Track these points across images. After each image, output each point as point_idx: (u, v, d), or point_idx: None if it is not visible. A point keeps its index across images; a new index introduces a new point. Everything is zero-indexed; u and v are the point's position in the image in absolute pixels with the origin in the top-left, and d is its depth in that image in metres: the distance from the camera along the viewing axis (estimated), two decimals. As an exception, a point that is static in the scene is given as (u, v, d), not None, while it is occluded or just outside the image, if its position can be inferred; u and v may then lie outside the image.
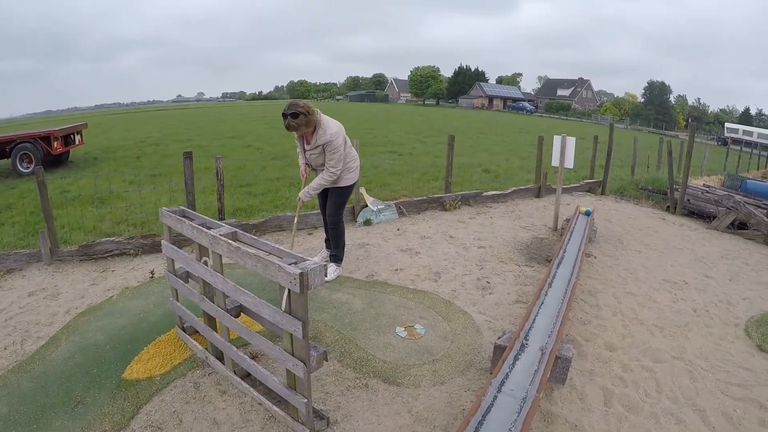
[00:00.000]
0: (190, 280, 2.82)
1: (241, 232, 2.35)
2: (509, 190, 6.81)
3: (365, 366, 2.60)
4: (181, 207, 2.73)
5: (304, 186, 3.57)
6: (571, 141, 4.93)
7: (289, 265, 1.79)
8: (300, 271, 1.70)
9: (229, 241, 2.07)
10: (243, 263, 1.98)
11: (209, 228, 2.35)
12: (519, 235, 5.03)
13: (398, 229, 5.07)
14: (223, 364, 2.49)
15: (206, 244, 2.24)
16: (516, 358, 2.35)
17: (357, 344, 2.79)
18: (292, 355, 1.93)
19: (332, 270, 3.65)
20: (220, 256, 2.21)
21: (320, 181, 3.40)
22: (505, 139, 17.22)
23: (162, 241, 2.72)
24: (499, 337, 2.56)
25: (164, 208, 2.63)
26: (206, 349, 2.62)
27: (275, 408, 2.19)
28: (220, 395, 2.34)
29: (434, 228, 5.19)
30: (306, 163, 3.58)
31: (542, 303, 2.96)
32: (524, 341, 2.50)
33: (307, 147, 3.40)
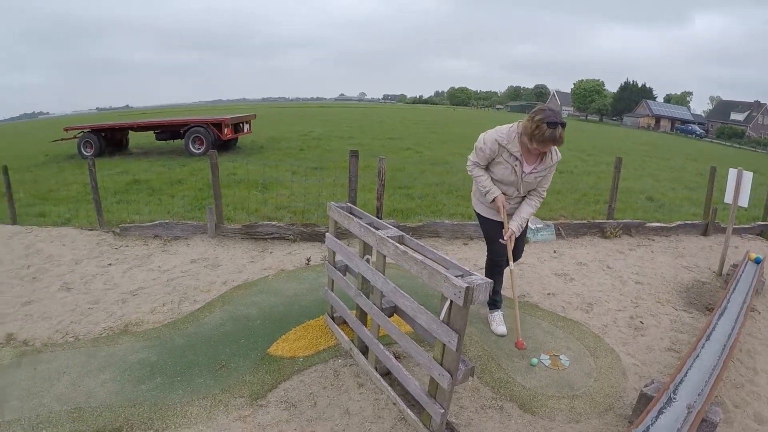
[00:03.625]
0: (347, 273, 4.20)
1: (408, 236, 3.47)
2: (674, 224, 8.59)
3: (503, 388, 3.54)
4: (348, 204, 4.05)
5: (504, 217, 4.22)
6: (748, 176, 6.22)
7: (456, 277, 2.68)
8: (467, 285, 2.54)
9: (396, 244, 3.13)
10: (407, 267, 2.99)
11: (377, 228, 3.52)
12: (680, 275, 6.34)
13: (555, 252, 6.77)
14: (366, 358, 3.65)
15: (372, 243, 3.38)
16: (660, 412, 3.03)
17: (499, 364, 3.80)
18: (440, 365, 2.85)
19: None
20: (385, 256, 3.32)
21: (530, 209, 4.21)
22: (671, 165, 21.43)
23: (326, 234, 4.09)
24: (646, 385, 3.35)
25: (333, 202, 3.98)
26: (352, 341, 3.86)
27: (408, 411, 3.19)
28: (357, 387, 3.49)
29: (592, 255, 6.82)
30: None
31: (697, 356, 3.76)
32: (672, 395, 3.19)
33: (529, 168, 4.07)
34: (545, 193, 4.21)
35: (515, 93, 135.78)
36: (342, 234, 4.59)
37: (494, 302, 4.47)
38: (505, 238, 4.09)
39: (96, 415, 3.27)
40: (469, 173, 4.17)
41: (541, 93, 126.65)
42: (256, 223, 6.58)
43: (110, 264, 5.91)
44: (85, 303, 4.93)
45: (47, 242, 6.92)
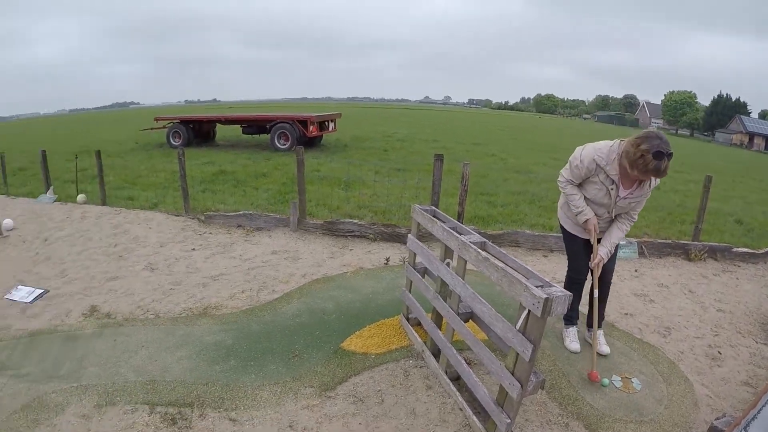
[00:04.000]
0: (426, 276, 4.33)
1: (491, 243, 3.55)
2: (762, 251, 8.16)
3: (571, 405, 3.54)
4: (433, 207, 4.21)
5: (594, 240, 4.19)
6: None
7: (536, 287, 2.75)
8: (546, 296, 2.61)
9: (479, 250, 3.22)
10: (488, 274, 3.09)
11: (460, 233, 3.63)
12: (765, 306, 6.07)
13: (636, 270, 6.71)
14: (437, 361, 3.74)
15: (454, 247, 3.50)
16: (729, 448, 2.91)
17: (569, 381, 3.80)
18: (512, 374, 2.92)
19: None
20: (466, 262, 3.43)
21: (621, 233, 4.17)
22: (763, 187, 20.26)
23: (409, 235, 4.25)
24: (717, 418, 3.31)
25: (417, 205, 4.14)
26: (424, 343, 3.97)
27: (474, 418, 3.26)
28: (425, 389, 3.59)
29: (674, 277, 6.67)
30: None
31: (774, 393, 3.54)
32: (743, 431, 3.02)
33: (624, 193, 4.02)
34: (636, 217, 4.14)
35: (603, 102, 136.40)
36: (423, 237, 4.72)
37: (570, 318, 4.47)
38: (592, 264, 4.09)
39: (169, 389, 3.55)
40: (561, 189, 4.13)
41: (630, 103, 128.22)
42: (337, 220, 6.81)
43: (194, 249, 6.34)
44: (168, 284, 5.32)
45: (134, 224, 7.47)
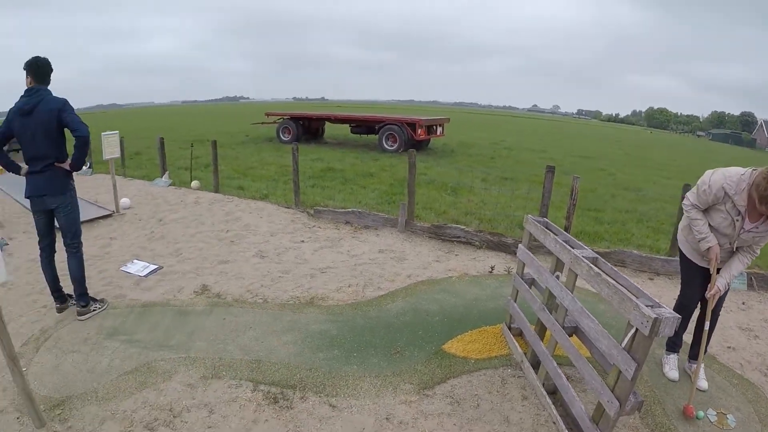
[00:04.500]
0: (533, 286, 4.41)
1: (602, 260, 3.59)
2: None
3: None
4: (545, 219, 4.27)
5: (713, 270, 4.07)
6: None
7: (646, 306, 2.78)
8: (655, 315, 2.65)
9: (591, 265, 3.28)
10: (598, 289, 3.14)
11: (572, 247, 3.68)
12: None
13: (743, 303, 6.45)
14: (536, 373, 3.80)
15: (566, 260, 3.56)
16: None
17: (664, 408, 3.75)
18: (612, 392, 2.95)
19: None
20: (576, 275, 3.50)
21: (741, 266, 4.08)
22: None
23: (520, 245, 4.34)
24: None
25: (530, 215, 4.22)
26: (524, 353, 4.03)
27: None
28: (521, 399, 3.67)
29: None
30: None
31: None
32: None
33: (749, 226, 3.91)
34: (759, 251, 4.01)
35: (719, 119, 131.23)
36: (531, 248, 4.80)
37: (673, 344, 4.41)
38: (708, 294, 4.00)
39: (273, 370, 3.82)
40: (686, 212, 4.04)
41: (747, 122, 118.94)
42: (444, 224, 6.95)
43: (303, 241, 6.68)
44: (277, 271, 5.67)
45: (246, 212, 7.94)
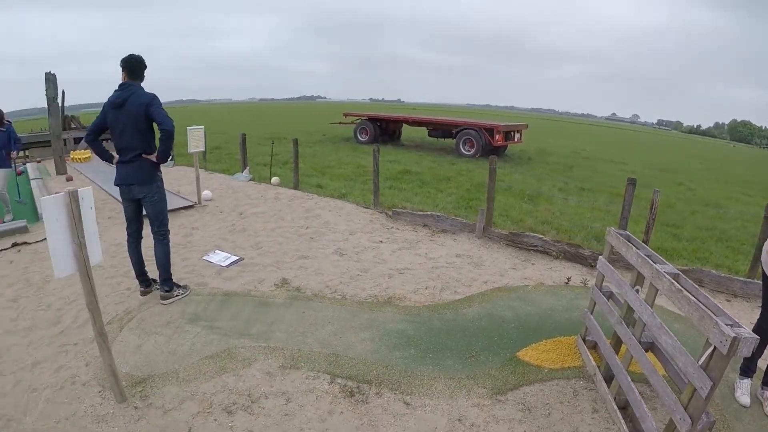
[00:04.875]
0: (610, 300, 4.38)
1: (684, 276, 3.56)
2: None
3: None
4: (627, 232, 4.22)
5: None
6: None
7: (726, 325, 2.76)
8: (734, 335, 2.64)
9: (672, 281, 3.26)
10: (678, 306, 3.11)
11: (654, 262, 3.66)
12: None
13: None
14: (608, 387, 3.78)
15: (647, 275, 3.54)
16: None
17: None
18: (685, 409, 2.94)
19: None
20: (657, 291, 3.48)
21: None
22: None
23: (600, 257, 4.32)
24: None
25: (612, 228, 4.20)
26: (597, 366, 4.01)
27: None
28: (591, 412, 3.66)
29: None
30: None
31: None
32: None
33: None
34: None
35: None
36: (611, 261, 4.76)
37: (747, 369, 4.29)
38: None
39: (350, 365, 3.94)
40: None
41: None
42: (522, 232, 6.94)
43: (381, 241, 6.81)
44: (355, 269, 5.81)
45: (325, 210, 8.13)
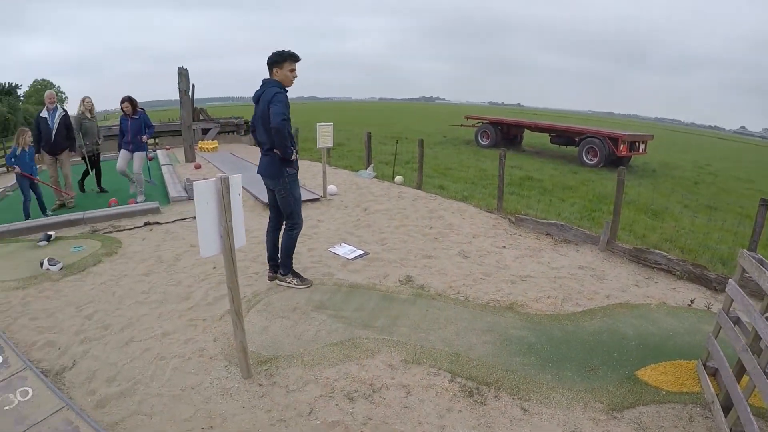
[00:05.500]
0: (737, 326, 4.24)
1: None
2: None
3: None
4: (759, 256, 4.07)
5: None
6: None
7: None
8: None
9: None
10: None
11: None
12: None
13: None
14: (725, 417, 3.69)
15: None
16: None
17: None
18: None
19: None
20: None
21: None
22: None
23: (730, 280, 4.14)
24: None
25: (745, 250, 4.03)
26: (716, 395, 3.89)
27: None
28: None
29: None
30: None
31: None
32: None
33: None
34: None
35: None
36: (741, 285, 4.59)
37: None
38: None
39: (471, 366, 4.02)
40: None
41: None
42: (646, 248, 6.76)
43: (504, 247, 6.84)
44: (479, 273, 5.88)
45: (448, 212, 8.26)
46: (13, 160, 8.62)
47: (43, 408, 3.63)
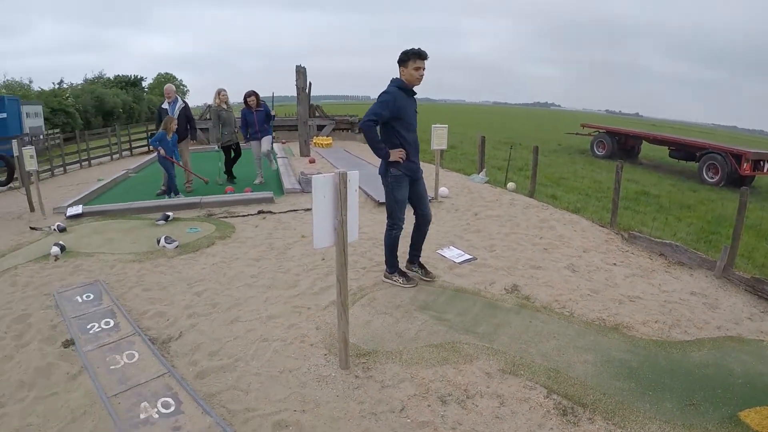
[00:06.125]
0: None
1: None
2: None
3: None
4: None
5: None
6: None
7: None
8: None
9: None
10: None
11: None
12: None
13: None
14: None
15: None
16: None
17: None
18: None
19: None
20: None
21: None
22: None
23: None
24: None
25: None
26: None
27: None
28: None
29: None
30: None
31: None
32: None
33: None
34: None
35: None
36: None
37: None
38: None
39: (568, 384, 3.96)
40: None
41: None
42: (765, 279, 6.33)
43: (615, 264, 6.65)
44: (586, 288, 5.77)
45: (560, 223, 8.12)
46: (158, 143, 9.35)
47: (147, 372, 3.97)
